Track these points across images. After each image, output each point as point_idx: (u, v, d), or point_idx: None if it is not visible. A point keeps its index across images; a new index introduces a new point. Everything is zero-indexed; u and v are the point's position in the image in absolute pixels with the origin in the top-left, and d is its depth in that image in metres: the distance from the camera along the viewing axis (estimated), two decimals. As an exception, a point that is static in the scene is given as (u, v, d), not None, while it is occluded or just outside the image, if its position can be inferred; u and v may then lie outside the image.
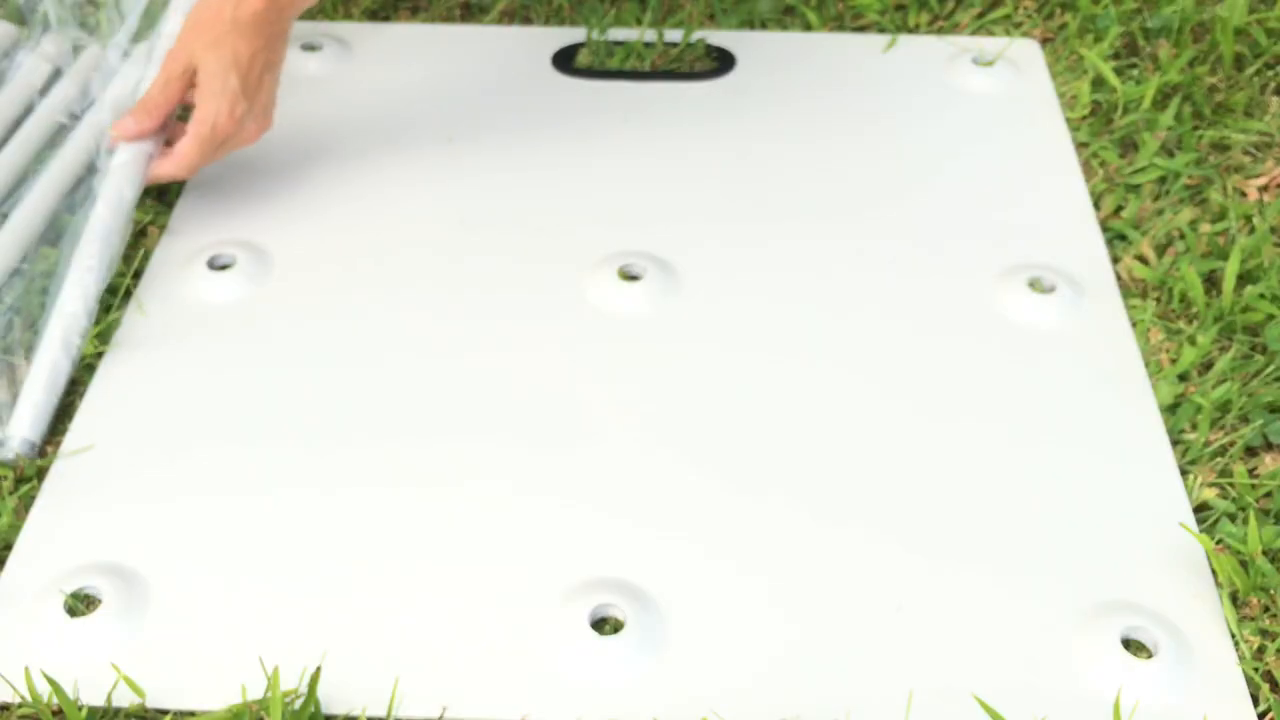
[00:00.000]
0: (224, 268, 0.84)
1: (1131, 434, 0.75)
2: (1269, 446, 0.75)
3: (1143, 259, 0.86)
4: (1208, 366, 0.79)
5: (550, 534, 0.70)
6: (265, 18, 0.81)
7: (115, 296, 0.83)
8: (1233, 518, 0.71)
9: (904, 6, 1.07)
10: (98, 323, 0.80)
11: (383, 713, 0.62)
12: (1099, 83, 0.99)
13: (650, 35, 1.03)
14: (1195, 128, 0.95)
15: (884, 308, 0.83)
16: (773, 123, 0.97)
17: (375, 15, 1.08)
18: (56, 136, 0.92)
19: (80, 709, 0.61)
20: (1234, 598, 0.67)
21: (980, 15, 1.07)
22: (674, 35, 1.04)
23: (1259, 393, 0.77)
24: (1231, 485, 0.72)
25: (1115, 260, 0.86)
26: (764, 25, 1.06)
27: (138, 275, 0.85)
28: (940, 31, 1.06)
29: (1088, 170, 0.93)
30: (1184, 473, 0.73)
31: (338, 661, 0.64)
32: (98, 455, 0.74)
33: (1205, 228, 0.88)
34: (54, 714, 0.62)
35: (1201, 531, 0.70)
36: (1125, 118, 0.96)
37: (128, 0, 0.99)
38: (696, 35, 1.03)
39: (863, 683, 0.64)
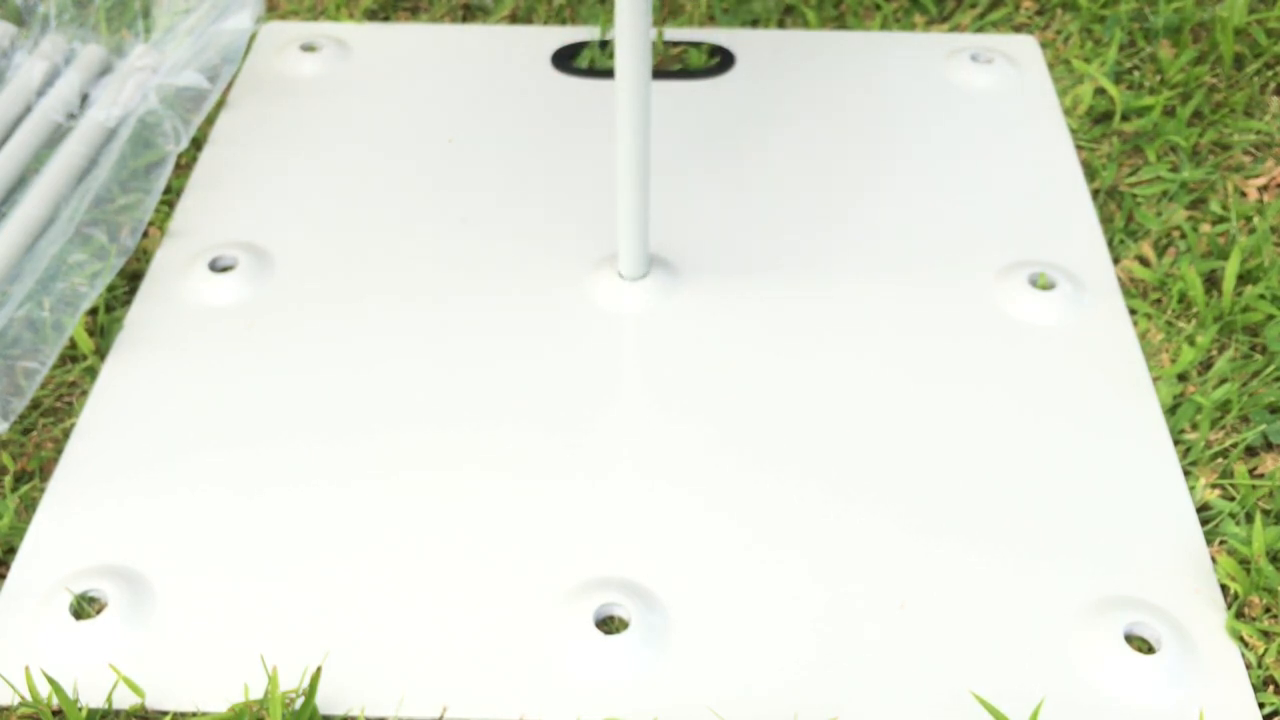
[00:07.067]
0: (225, 269, 0.84)
1: (1133, 429, 0.75)
2: (1269, 447, 0.75)
3: (1143, 259, 0.86)
4: (1208, 366, 0.79)
5: (554, 533, 0.70)
6: None
7: (117, 297, 0.83)
8: (1235, 519, 0.71)
9: (904, 7, 1.07)
10: (98, 324, 0.80)
11: (383, 713, 0.62)
12: (1100, 90, 0.99)
13: (650, 34, 1.03)
14: (1195, 128, 0.96)
15: (884, 303, 0.83)
16: (773, 121, 0.97)
17: (375, 15, 1.08)
18: (55, 136, 0.92)
19: (80, 709, 0.61)
20: (1236, 599, 0.67)
21: (981, 16, 1.07)
22: (674, 35, 1.04)
23: (1259, 393, 0.77)
24: (1234, 486, 0.72)
25: (1115, 260, 0.86)
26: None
27: (139, 277, 0.85)
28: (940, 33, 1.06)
29: (1087, 169, 0.93)
30: (1185, 473, 0.73)
31: (338, 661, 0.64)
32: (100, 457, 0.74)
33: (1205, 228, 0.88)
34: (54, 714, 0.62)
35: (1204, 532, 0.70)
36: (1126, 119, 0.96)
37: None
38: (696, 35, 1.03)
39: (866, 680, 0.64)
